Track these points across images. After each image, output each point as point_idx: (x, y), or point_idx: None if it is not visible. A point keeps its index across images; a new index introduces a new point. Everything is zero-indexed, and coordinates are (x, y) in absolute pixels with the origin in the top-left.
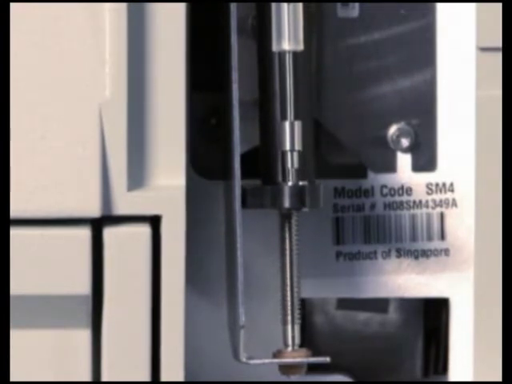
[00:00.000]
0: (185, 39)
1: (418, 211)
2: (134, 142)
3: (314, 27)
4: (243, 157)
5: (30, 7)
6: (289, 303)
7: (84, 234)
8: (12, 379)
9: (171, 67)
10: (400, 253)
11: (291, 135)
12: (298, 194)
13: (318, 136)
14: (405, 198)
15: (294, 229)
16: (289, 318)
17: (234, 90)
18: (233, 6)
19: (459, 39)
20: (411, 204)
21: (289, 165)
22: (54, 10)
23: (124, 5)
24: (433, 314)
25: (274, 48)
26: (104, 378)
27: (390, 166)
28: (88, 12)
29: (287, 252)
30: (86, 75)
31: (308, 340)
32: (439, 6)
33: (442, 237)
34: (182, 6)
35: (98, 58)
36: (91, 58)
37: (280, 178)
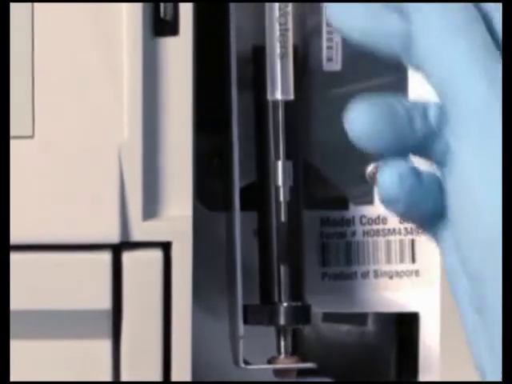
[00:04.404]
0: (192, 90)
1: (392, 238)
2: (148, 178)
3: (302, 79)
4: (242, 191)
5: (53, 55)
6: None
7: (105, 257)
8: None
9: (180, 114)
10: (377, 273)
11: (284, 173)
12: (292, 313)
13: (307, 173)
14: (381, 226)
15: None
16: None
17: (234, 133)
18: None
19: (427, 91)
20: (386, 231)
21: (281, 198)
22: (78, 58)
23: (140, 58)
24: (405, 327)
25: (269, 97)
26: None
27: (369, 199)
28: (108, 69)
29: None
30: (107, 120)
31: (298, 348)
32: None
33: (413, 260)
34: (189, 64)
35: (117, 106)
36: (111, 105)
37: (276, 298)
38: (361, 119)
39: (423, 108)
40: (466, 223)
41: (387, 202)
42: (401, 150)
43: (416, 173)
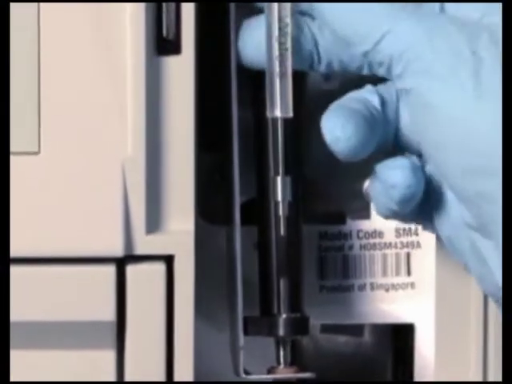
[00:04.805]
0: (194, 108)
1: (388, 251)
2: (151, 193)
3: (302, 97)
4: (242, 206)
5: (59, 73)
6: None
7: (110, 270)
8: None
9: (182, 131)
10: (373, 286)
11: (283, 188)
12: (291, 324)
13: (305, 189)
14: (377, 240)
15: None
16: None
17: (235, 150)
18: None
19: None
20: (382, 245)
21: (280, 213)
22: (83, 76)
23: (143, 77)
24: (400, 337)
25: (268, 115)
26: None
27: (365, 214)
28: (113, 87)
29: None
30: (112, 136)
31: (297, 358)
32: None
33: (409, 273)
34: (191, 82)
35: (121, 123)
36: (116, 122)
37: (276, 310)
38: (333, 125)
39: (379, 96)
40: (441, 145)
41: (405, 202)
42: (373, 141)
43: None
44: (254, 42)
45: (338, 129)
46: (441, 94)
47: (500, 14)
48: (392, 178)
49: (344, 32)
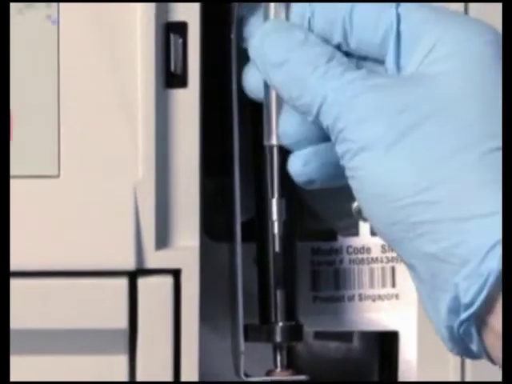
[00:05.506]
0: (199, 136)
1: (375, 265)
2: (160, 213)
3: None
4: (242, 225)
5: (78, 104)
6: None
7: (123, 282)
8: None
9: (189, 158)
10: (361, 297)
11: (278, 209)
12: (287, 331)
13: (300, 209)
14: (365, 255)
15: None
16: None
17: (236, 174)
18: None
19: None
20: (370, 260)
21: (276, 231)
22: (99, 108)
23: (153, 108)
24: (386, 343)
25: (265, 142)
26: None
27: (354, 232)
28: (125, 117)
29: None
30: (125, 162)
31: (292, 362)
32: None
33: (393, 285)
34: (197, 113)
35: (133, 150)
36: (128, 149)
37: (273, 319)
38: (285, 126)
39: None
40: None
41: (305, 185)
42: (311, 139)
43: (323, 154)
44: (255, 79)
45: (291, 128)
46: (360, 160)
47: (442, 61)
48: (290, 166)
49: (293, 103)
